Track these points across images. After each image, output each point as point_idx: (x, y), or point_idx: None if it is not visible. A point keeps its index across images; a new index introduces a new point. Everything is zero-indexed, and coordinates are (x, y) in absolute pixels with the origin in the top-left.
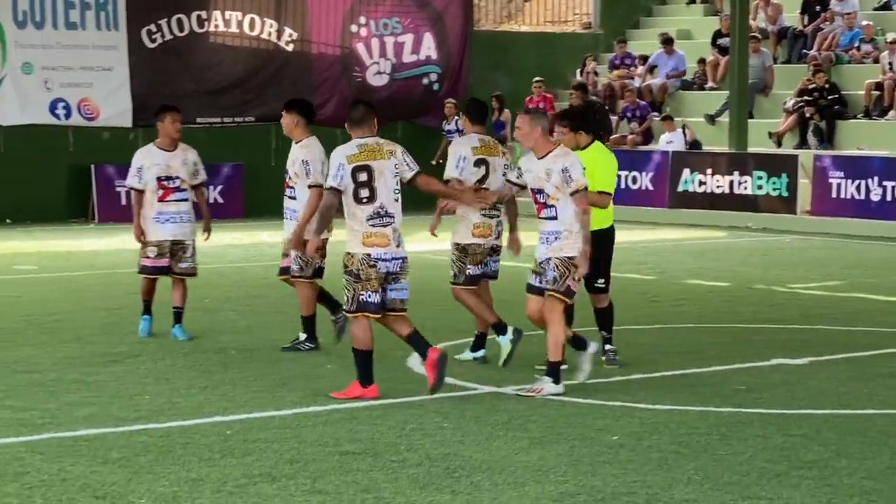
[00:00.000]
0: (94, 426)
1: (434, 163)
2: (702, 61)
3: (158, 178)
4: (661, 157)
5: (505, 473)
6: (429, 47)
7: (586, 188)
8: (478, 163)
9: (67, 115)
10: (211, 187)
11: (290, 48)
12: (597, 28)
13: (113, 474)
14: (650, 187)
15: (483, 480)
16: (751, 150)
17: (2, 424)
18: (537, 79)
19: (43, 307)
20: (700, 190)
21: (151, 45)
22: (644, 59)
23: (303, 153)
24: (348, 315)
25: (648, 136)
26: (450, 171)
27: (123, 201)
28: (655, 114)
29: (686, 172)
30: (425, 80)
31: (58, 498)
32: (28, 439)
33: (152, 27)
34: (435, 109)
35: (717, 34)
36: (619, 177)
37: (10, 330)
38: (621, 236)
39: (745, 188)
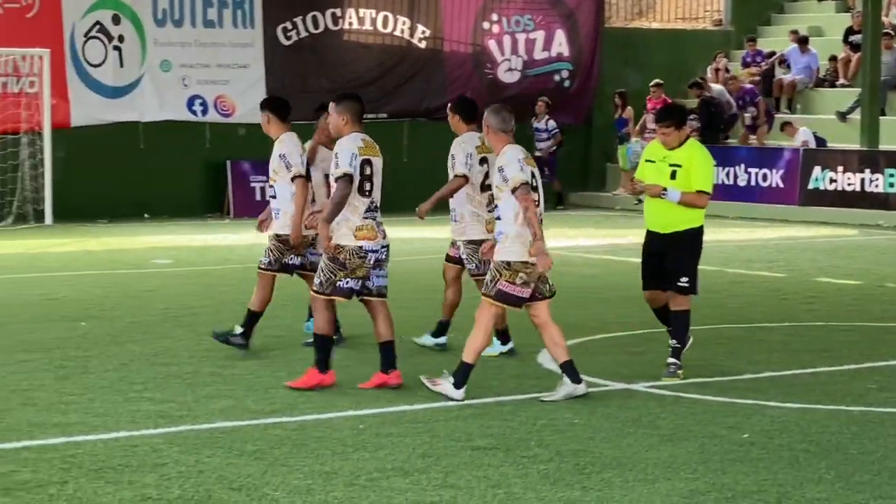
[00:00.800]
0: (230, 419)
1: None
2: (833, 58)
3: (326, 175)
4: (792, 154)
5: (635, 470)
6: (560, 44)
7: (525, 184)
8: (481, 161)
9: (204, 112)
10: None
11: (422, 45)
12: (727, 25)
13: (248, 466)
14: (780, 184)
15: (614, 477)
16: (882, 147)
17: (141, 416)
18: (655, 81)
19: (179, 301)
20: (831, 188)
21: (287, 43)
22: (771, 55)
23: (279, 148)
24: (319, 296)
25: (770, 120)
26: (460, 168)
27: (258, 197)
28: (786, 112)
29: (817, 170)
30: (556, 77)
31: (195, 489)
32: (166, 431)
33: (288, 25)
34: (566, 106)
35: (849, 31)
36: (749, 174)
37: (148, 323)
38: (752, 234)
39: (877, 186)
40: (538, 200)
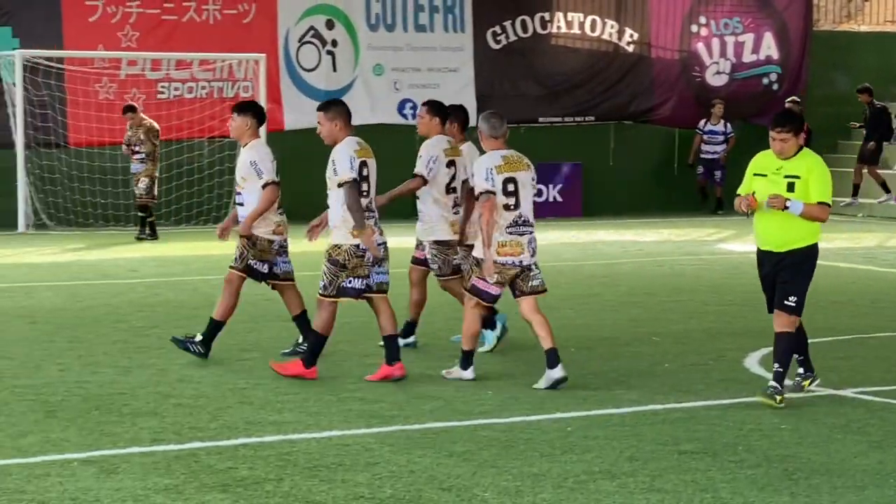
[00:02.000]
0: (440, 420)
1: (689, 163)
2: None
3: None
4: None
5: (844, 477)
6: (769, 47)
7: (486, 192)
8: (448, 164)
9: (414, 116)
10: (550, 186)
11: (630, 49)
12: None
13: (458, 467)
14: None
15: (822, 483)
16: None
17: (353, 416)
18: (792, 98)
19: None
20: None
21: (496, 47)
22: None
23: (249, 155)
24: (325, 299)
25: None
26: (420, 169)
27: None
28: None
29: None
30: (765, 80)
31: (406, 489)
32: (378, 431)
33: (497, 29)
34: (773, 109)
35: None
36: None
37: (359, 325)
38: None
39: None
40: (516, 203)
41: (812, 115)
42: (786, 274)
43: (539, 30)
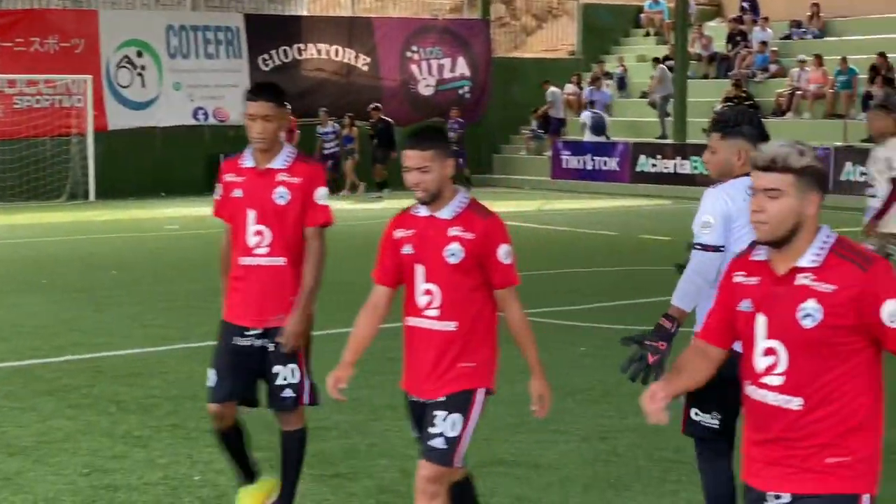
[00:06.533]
0: None
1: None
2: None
3: None
4: (624, 146)
5: None
6: (462, 67)
7: None
8: None
9: (205, 118)
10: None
11: (365, 68)
12: (579, 53)
13: None
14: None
15: None
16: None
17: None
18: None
19: (182, 254)
20: (653, 171)
21: (265, 69)
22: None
23: None
24: None
25: None
26: None
27: None
28: None
29: (642, 158)
30: (460, 91)
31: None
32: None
33: (266, 56)
34: (466, 112)
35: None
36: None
37: (162, 273)
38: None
39: (685, 168)
40: None
41: (493, 115)
42: None
43: (297, 56)
